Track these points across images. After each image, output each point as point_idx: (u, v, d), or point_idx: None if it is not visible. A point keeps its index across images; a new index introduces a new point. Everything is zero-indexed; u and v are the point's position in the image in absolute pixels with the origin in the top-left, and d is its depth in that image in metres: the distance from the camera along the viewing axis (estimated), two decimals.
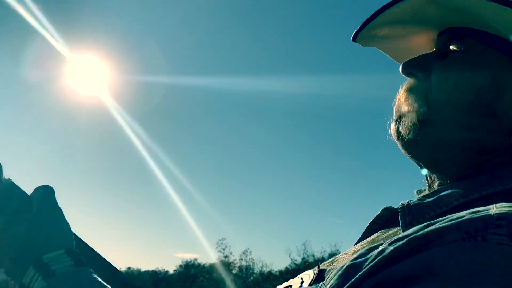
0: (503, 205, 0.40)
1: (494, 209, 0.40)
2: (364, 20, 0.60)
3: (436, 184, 0.55)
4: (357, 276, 0.41)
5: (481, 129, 0.52)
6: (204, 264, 32.10)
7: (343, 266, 0.45)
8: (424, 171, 0.57)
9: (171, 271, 32.15)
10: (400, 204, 0.51)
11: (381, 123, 0.59)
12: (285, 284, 0.52)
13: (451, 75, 0.54)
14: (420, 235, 0.40)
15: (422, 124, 0.53)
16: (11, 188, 0.57)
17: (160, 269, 32.14)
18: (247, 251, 34.10)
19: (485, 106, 0.52)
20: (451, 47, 0.55)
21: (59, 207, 0.58)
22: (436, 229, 0.39)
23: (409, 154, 0.56)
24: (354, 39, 0.62)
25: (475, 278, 0.35)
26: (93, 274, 0.54)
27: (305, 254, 29.91)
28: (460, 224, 0.39)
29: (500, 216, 0.38)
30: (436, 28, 0.58)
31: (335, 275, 0.45)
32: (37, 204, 0.56)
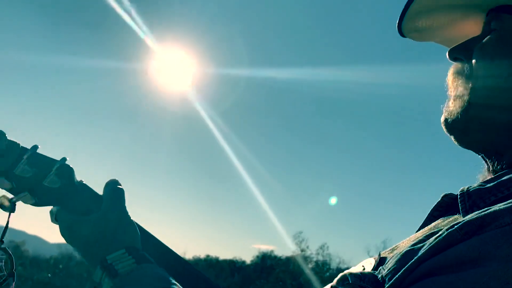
0: None
1: None
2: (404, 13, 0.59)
3: (496, 170, 0.52)
4: (413, 260, 0.41)
5: None
6: (280, 257, 32.76)
7: (401, 252, 0.45)
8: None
9: (248, 261, 33.15)
10: (460, 190, 0.49)
11: None
12: (347, 271, 0.49)
13: (488, 54, 0.52)
14: (474, 218, 0.39)
15: (467, 109, 0.52)
16: (83, 189, 0.61)
17: (237, 258, 33.38)
18: (324, 246, 33.99)
19: None
20: (491, 26, 0.53)
21: (125, 208, 0.60)
22: (491, 212, 0.39)
23: (459, 143, 0.54)
24: (400, 32, 0.61)
25: None
26: (154, 269, 0.55)
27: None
28: None
29: None
30: (483, 12, 0.56)
31: (393, 260, 0.45)
32: (106, 204, 0.59)
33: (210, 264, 31.63)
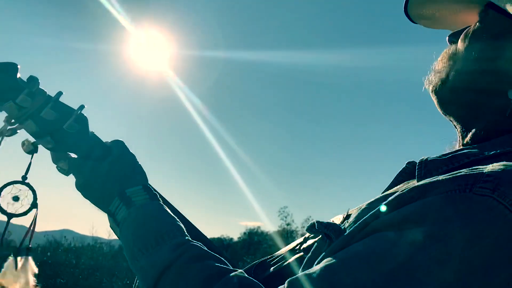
0: (500, 164, 0.45)
1: (490, 167, 0.44)
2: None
3: (463, 144, 0.61)
4: (366, 216, 0.48)
5: (497, 95, 0.56)
6: (267, 232, 33.19)
7: (361, 208, 0.54)
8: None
9: (235, 238, 33.52)
10: (420, 159, 0.55)
11: None
12: (315, 219, 0.57)
13: (469, 43, 0.60)
14: (420, 185, 0.46)
15: (444, 83, 0.60)
16: (95, 138, 0.68)
17: (225, 236, 33.70)
18: (308, 219, 34.65)
19: (502, 74, 0.55)
20: (479, 18, 0.60)
21: (131, 153, 0.68)
22: (435, 181, 0.46)
23: (440, 109, 0.62)
24: (408, 17, 0.68)
25: (455, 223, 0.41)
26: (164, 206, 0.63)
27: None
28: (456, 178, 0.45)
29: (490, 174, 0.43)
30: (481, 5, 0.61)
31: (354, 215, 0.54)
32: (117, 151, 0.67)
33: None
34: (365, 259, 0.44)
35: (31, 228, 0.67)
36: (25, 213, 0.65)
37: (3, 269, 0.65)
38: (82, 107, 0.67)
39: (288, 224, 32.00)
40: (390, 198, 0.49)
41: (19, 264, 0.66)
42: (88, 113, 0.69)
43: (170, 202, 0.70)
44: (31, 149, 0.65)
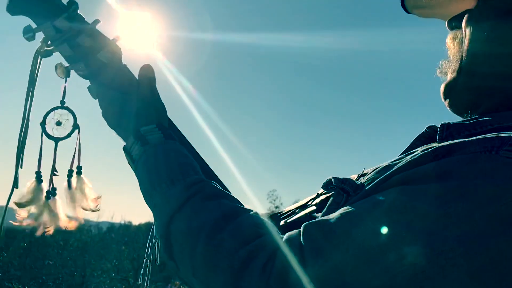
0: None
1: None
2: None
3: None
4: (388, 172, 0.49)
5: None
6: None
7: (381, 166, 0.53)
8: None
9: None
10: (442, 122, 0.54)
11: None
12: (331, 176, 0.56)
13: (477, 24, 0.57)
14: (446, 144, 0.46)
15: (459, 73, 0.58)
16: (126, 71, 0.67)
17: None
18: (297, 201, 34.66)
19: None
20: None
21: (157, 91, 0.67)
22: (461, 142, 0.46)
23: (450, 107, 0.61)
24: (404, 7, 0.66)
25: (478, 180, 0.42)
26: (179, 145, 0.63)
27: None
28: (482, 140, 0.45)
29: None
30: None
31: (373, 172, 0.53)
32: (141, 87, 0.66)
33: None
34: (385, 210, 0.45)
35: (78, 149, 0.69)
36: (69, 135, 0.68)
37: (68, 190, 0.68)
38: (116, 38, 0.68)
39: (276, 207, 32.08)
40: (413, 155, 0.50)
41: (73, 184, 0.68)
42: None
43: (187, 139, 0.71)
44: (65, 73, 0.66)
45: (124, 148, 0.66)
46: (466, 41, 0.59)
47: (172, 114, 0.69)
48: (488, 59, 0.57)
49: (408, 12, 0.68)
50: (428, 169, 0.46)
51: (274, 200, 32.98)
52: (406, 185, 0.46)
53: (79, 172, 0.69)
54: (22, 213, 0.65)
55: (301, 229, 0.48)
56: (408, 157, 0.50)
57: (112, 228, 22.52)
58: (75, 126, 0.68)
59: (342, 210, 0.48)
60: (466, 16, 0.60)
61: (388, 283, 0.42)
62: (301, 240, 0.47)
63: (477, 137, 0.47)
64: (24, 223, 0.67)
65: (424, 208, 0.43)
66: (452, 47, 0.62)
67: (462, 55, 0.60)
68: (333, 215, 0.48)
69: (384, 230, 0.43)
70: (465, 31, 0.60)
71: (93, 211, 0.69)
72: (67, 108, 0.68)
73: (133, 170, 0.65)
